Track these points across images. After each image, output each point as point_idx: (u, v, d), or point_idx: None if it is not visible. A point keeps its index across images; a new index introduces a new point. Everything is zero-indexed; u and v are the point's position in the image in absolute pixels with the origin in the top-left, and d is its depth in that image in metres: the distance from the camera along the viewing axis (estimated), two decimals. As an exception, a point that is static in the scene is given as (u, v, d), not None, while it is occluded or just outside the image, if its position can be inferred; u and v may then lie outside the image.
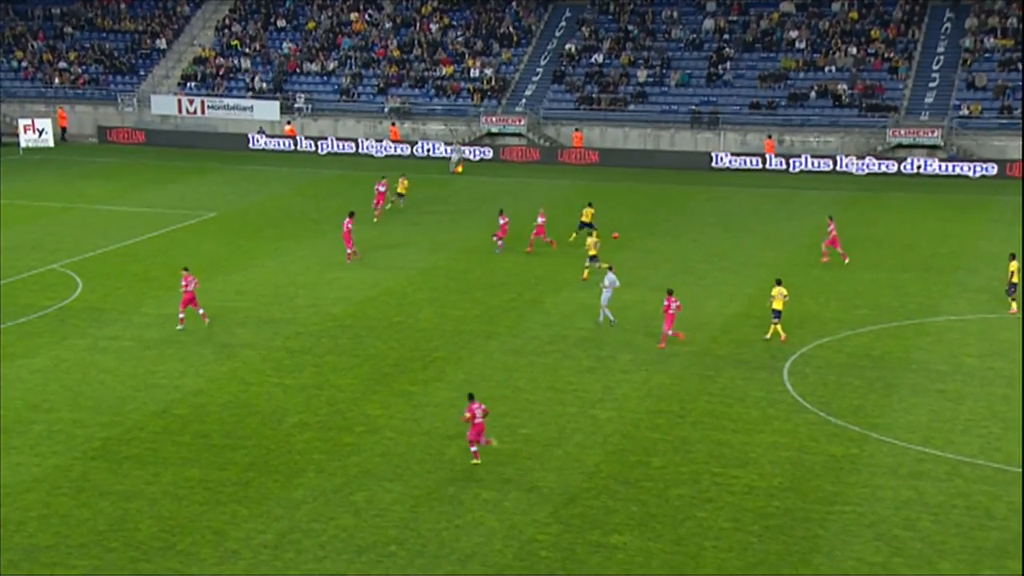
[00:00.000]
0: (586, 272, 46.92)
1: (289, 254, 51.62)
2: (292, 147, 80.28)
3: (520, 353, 38.44)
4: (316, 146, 79.80)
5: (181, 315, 40.71)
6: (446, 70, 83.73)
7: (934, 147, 72.22)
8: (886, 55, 78.26)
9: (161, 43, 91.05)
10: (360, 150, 79.13)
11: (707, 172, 72.97)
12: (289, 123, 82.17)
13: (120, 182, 69.97)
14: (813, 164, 72.59)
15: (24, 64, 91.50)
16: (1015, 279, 42.48)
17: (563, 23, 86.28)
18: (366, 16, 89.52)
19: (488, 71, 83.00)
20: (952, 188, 67.44)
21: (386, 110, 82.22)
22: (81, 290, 45.89)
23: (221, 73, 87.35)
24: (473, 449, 29.76)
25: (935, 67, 77.29)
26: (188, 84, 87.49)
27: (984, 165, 70.09)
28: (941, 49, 78.35)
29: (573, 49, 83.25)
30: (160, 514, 27.17)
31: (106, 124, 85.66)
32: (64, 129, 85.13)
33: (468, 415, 29.60)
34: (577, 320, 41.83)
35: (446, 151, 76.69)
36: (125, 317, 42.35)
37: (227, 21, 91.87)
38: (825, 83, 77.14)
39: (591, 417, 33.06)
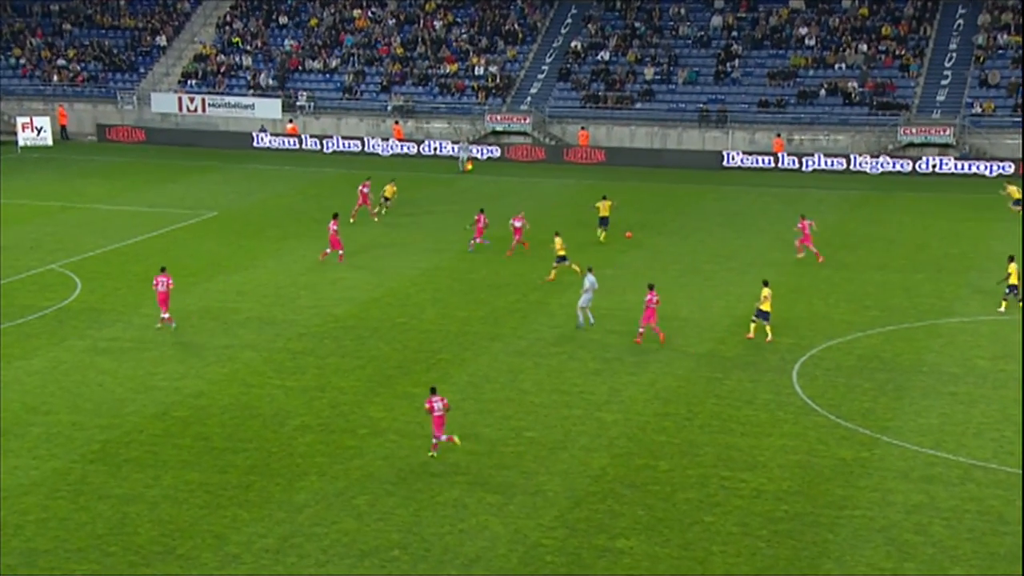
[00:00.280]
0: (553, 273, 46.40)
1: (291, 254, 51.26)
2: (296, 146, 79.93)
3: (525, 355, 38.09)
4: (322, 145, 79.45)
5: (164, 315, 40.37)
6: (450, 68, 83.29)
7: (946, 145, 71.70)
8: (897, 52, 77.74)
9: (161, 40, 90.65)
10: (366, 149, 78.79)
11: (718, 171, 72.52)
12: (291, 121, 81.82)
13: (120, 181, 69.66)
14: (826, 163, 71.95)
15: (22, 61, 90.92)
16: (1013, 280, 42.14)
17: (569, 20, 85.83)
18: (369, 13, 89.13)
19: (493, 69, 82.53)
20: (966, 187, 66.94)
21: (389, 108, 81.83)
22: (80, 290, 45.57)
23: (222, 71, 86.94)
24: (433, 442, 29.84)
25: (947, 64, 76.72)
26: (189, 82, 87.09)
27: (1001, 164, 69.38)
28: (953, 46, 77.76)
29: (579, 46, 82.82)
30: (160, 518, 26.90)
31: (105, 122, 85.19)
32: (64, 128, 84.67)
33: (428, 406, 29.79)
34: (583, 321, 41.48)
35: (453, 150, 76.33)
36: (125, 318, 42.01)
37: (228, 18, 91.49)
38: (835, 81, 76.64)
39: (597, 420, 32.74)
